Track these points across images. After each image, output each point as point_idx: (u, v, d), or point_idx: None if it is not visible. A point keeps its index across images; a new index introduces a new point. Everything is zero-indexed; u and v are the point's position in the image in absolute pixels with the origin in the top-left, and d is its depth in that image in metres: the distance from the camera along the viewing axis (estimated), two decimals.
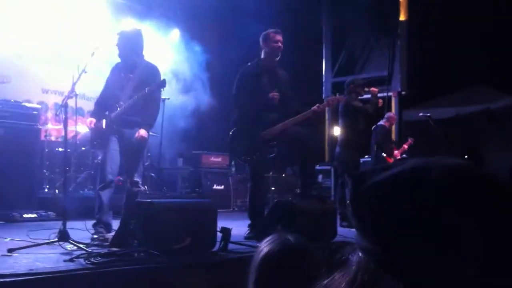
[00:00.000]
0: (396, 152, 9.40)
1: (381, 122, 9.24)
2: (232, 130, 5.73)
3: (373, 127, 9.16)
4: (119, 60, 5.76)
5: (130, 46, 5.63)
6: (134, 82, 5.57)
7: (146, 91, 5.37)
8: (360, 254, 0.72)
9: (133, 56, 5.64)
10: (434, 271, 0.64)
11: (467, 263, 0.63)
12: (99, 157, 5.77)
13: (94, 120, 5.58)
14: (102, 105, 5.67)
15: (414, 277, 0.65)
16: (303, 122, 5.71)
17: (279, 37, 5.67)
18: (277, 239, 1.88)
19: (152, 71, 5.72)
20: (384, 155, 9.01)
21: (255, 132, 5.60)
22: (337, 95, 6.30)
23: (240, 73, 5.75)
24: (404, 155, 9.42)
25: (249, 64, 5.85)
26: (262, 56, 5.78)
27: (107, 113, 5.54)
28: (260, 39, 5.81)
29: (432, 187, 0.66)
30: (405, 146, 9.66)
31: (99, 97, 5.84)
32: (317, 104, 5.78)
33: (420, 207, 0.65)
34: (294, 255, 1.82)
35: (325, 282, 0.77)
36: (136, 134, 5.45)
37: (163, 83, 5.46)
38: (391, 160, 9.05)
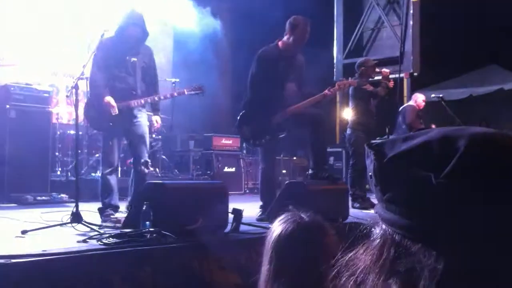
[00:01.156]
0: None
1: (410, 103, 9.15)
2: (242, 113, 5.73)
3: (400, 108, 9.08)
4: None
5: (140, 28, 5.50)
6: (140, 66, 5.55)
7: (185, 92, 5.68)
8: (384, 227, 0.70)
9: (140, 38, 5.54)
10: (465, 237, 0.63)
11: (496, 227, 0.62)
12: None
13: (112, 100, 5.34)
14: (104, 85, 5.41)
15: (446, 244, 0.63)
16: (314, 105, 5.72)
17: (308, 28, 5.62)
18: (290, 217, 1.86)
19: (151, 54, 5.73)
20: None
21: (265, 116, 5.61)
22: (349, 79, 6.18)
23: (258, 55, 5.67)
24: None
25: (269, 45, 5.77)
26: (283, 41, 5.69)
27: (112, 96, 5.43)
28: (288, 25, 5.68)
29: (462, 154, 0.64)
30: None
31: (98, 75, 5.37)
32: (328, 88, 5.80)
33: (450, 174, 0.64)
34: (308, 232, 1.81)
35: (348, 256, 0.76)
36: (156, 124, 5.81)
37: (201, 90, 5.69)
38: None
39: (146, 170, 5.49)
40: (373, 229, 0.73)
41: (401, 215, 0.67)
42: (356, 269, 0.73)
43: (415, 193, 0.66)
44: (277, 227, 1.85)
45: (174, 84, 9.79)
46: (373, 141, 0.73)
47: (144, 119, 5.59)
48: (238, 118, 5.75)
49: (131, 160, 5.83)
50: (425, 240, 0.65)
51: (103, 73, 5.33)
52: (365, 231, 0.75)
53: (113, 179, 5.39)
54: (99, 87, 5.33)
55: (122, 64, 5.43)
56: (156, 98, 5.65)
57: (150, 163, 5.58)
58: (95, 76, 5.34)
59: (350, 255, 0.76)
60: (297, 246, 1.78)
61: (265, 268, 1.83)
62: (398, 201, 0.68)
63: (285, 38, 5.70)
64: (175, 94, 5.79)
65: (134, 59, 5.48)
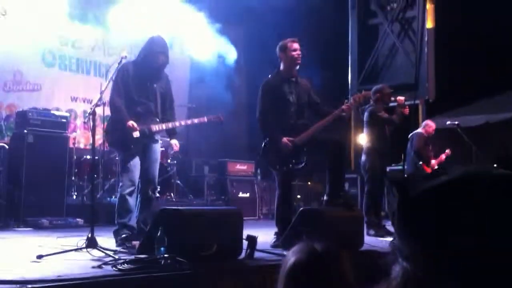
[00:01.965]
0: (433, 161, 9.22)
1: (419, 130, 9.14)
2: (265, 141, 5.72)
3: (409, 134, 9.06)
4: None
5: (164, 55, 5.53)
6: (159, 92, 5.61)
7: (206, 120, 5.82)
8: (405, 264, 0.70)
9: (161, 65, 5.58)
10: (489, 274, 0.63)
11: None
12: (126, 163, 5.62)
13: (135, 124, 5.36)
14: (125, 109, 5.45)
15: (469, 280, 0.64)
16: (331, 130, 5.75)
17: (296, 45, 5.66)
18: (304, 247, 1.85)
19: (167, 79, 5.79)
20: (421, 163, 8.87)
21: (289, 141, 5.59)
22: (362, 91, 6.12)
23: (263, 85, 5.77)
24: (440, 166, 9.25)
25: (269, 76, 5.86)
26: (282, 67, 5.78)
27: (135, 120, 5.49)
28: (277, 50, 5.79)
29: (485, 194, 0.66)
30: (443, 156, 9.46)
31: (117, 99, 5.40)
32: (345, 102, 5.80)
33: (473, 213, 0.65)
34: (323, 261, 1.80)
35: None
36: (175, 147, 5.89)
37: (220, 120, 5.91)
38: (429, 169, 8.88)
39: (154, 196, 5.52)
40: (393, 266, 0.73)
41: (424, 250, 0.68)
42: None
43: (438, 229, 0.67)
44: (290, 257, 1.84)
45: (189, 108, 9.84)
46: (395, 177, 0.75)
47: (159, 146, 5.66)
48: (263, 145, 5.74)
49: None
50: (447, 276, 0.65)
51: (122, 98, 5.37)
52: (385, 267, 0.75)
53: (132, 200, 5.37)
54: (121, 111, 5.36)
55: (143, 89, 5.46)
56: (177, 124, 5.72)
57: (158, 189, 5.60)
58: (115, 100, 5.36)
59: None
60: (311, 276, 1.77)
61: None
62: (422, 236, 0.69)
63: (281, 64, 5.79)
64: (196, 121, 5.84)
65: (154, 85, 5.55)
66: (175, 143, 5.87)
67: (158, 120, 5.58)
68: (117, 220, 5.36)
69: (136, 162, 5.43)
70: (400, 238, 0.72)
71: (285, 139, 5.52)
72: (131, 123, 5.31)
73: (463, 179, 0.70)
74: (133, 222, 5.36)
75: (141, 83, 5.47)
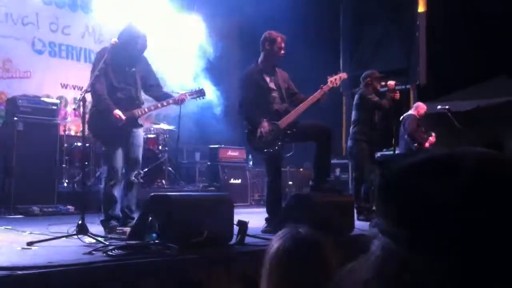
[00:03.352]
0: (426, 144, 9.18)
1: (411, 112, 9.11)
2: (248, 128, 5.80)
3: (401, 117, 9.04)
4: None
5: (141, 39, 5.51)
6: (139, 77, 5.59)
7: (187, 96, 5.73)
8: (384, 239, 0.71)
9: (139, 50, 5.54)
10: (469, 252, 0.64)
11: (498, 246, 0.63)
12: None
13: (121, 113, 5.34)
14: (108, 97, 5.40)
15: (448, 258, 0.65)
16: (313, 105, 5.80)
17: (283, 44, 5.83)
18: (288, 233, 1.87)
19: (148, 64, 5.77)
20: (415, 145, 8.83)
21: (271, 124, 5.68)
22: (338, 73, 6.13)
23: (243, 75, 5.91)
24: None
25: (251, 66, 5.98)
26: (261, 57, 5.92)
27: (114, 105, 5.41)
28: (264, 39, 5.88)
29: (469, 170, 0.66)
30: (432, 139, 9.43)
31: (98, 85, 5.29)
32: (321, 86, 5.88)
33: (455, 189, 0.66)
34: (305, 248, 1.81)
35: (348, 268, 0.77)
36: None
37: (202, 94, 5.81)
38: None
39: (137, 181, 5.52)
40: (373, 241, 0.74)
41: (404, 227, 0.68)
42: (356, 281, 0.73)
43: (419, 206, 0.67)
44: (274, 243, 1.85)
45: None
46: (379, 156, 0.76)
47: (141, 131, 5.68)
48: (246, 132, 5.84)
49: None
50: (426, 253, 0.66)
51: (101, 83, 5.32)
52: (365, 243, 0.76)
53: (116, 191, 5.40)
54: (104, 99, 5.33)
55: (122, 75, 5.44)
56: (159, 105, 5.67)
57: (142, 175, 5.60)
58: (96, 87, 5.26)
59: (349, 266, 0.77)
60: (294, 262, 1.79)
61: (263, 284, 1.83)
62: (402, 213, 0.69)
63: (262, 54, 5.92)
64: (177, 99, 5.76)
65: (133, 69, 5.53)
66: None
67: (139, 103, 5.57)
68: (104, 211, 5.39)
69: (119, 151, 5.43)
70: (379, 213, 0.73)
71: (264, 123, 5.63)
72: (117, 112, 5.28)
73: (445, 155, 0.70)
74: (118, 212, 5.39)
75: (120, 68, 5.44)
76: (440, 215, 0.65)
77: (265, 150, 5.74)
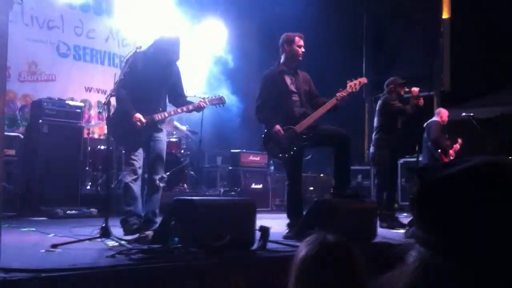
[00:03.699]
0: (450, 151, 9.05)
1: (435, 118, 9.00)
2: (265, 132, 5.80)
3: (425, 124, 8.94)
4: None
5: (175, 54, 5.59)
6: (168, 85, 5.65)
7: (207, 103, 5.77)
8: (422, 249, 0.70)
9: (172, 56, 5.62)
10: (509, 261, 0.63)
11: None
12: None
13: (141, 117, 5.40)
14: (130, 101, 5.47)
15: (488, 268, 0.64)
16: (331, 110, 5.76)
17: (302, 42, 5.81)
18: (316, 239, 1.86)
19: (179, 73, 5.81)
20: (439, 151, 8.70)
21: (287, 129, 5.67)
22: (358, 78, 6.02)
23: (263, 76, 5.89)
24: (457, 155, 9.07)
25: (271, 68, 5.97)
26: (283, 59, 5.90)
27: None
28: (282, 42, 5.88)
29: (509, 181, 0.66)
30: (457, 146, 9.29)
31: (123, 90, 5.36)
32: (340, 89, 5.84)
33: (496, 199, 0.64)
34: (334, 254, 1.80)
35: (384, 279, 0.76)
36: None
37: (222, 101, 5.84)
38: (446, 159, 8.73)
39: (161, 185, 5.54)
40: (409, 252, 0.73)
41: (444, 236, 0.67)
42: None
43: (459, 216, 0.66)
44: (302, 249, 1.84)
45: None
46: (402, 162, 0.75)
47: (164, 136, 5.69)
48: (263, 137, 5.84)
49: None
50: (464, 264, 0.65)
51: (127, 88, 5.36)
52: (400, 253, 0.75)
53: (136, 187, 5.43)
54: (126, 102, 5.39)
55: (147, 81, 5.48)
56: (179, 110, 5.69)
57: (165, 179, 5.61)
58: (120, 91, 5.32)
59: (386, 276, 0.76)
60: (322, 268, 1.77)
61: None
62: (442, 223, 0.68)
63: (282, 56, 5.91)
64: (197, 105, 5.80)
65: (161, 76, 5.57)
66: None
67: (160, 109, 5.60)
68: (124, 208, 5.41)
69: (139, 153, 5.50)
70: (418, 223, 0.72)
71: (277, 127, 5.62)
72: (137, 116, 5.34)
73: (488, 166, 0.69)
74: (139, 209, 5.42)
75: (148, 75, 5.48)
76: (478, 226, 0.64)
77: (280, 155, 5.75)
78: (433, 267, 0.68)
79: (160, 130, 5.62)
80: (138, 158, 5.48)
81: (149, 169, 5.51)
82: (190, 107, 5.67)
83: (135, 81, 5.37)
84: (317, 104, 5.82)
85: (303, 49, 5.81)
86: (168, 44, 5.56)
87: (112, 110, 5.54)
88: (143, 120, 5.34)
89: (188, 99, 6.01)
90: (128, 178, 5.44)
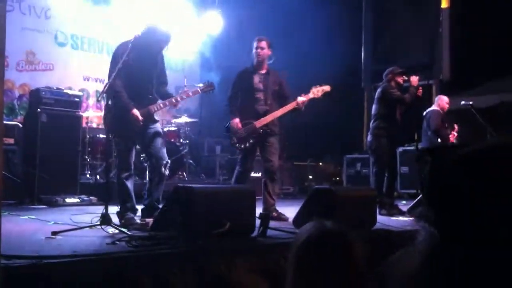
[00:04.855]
0: (451, 139, 8.99)
1: (434, 107, 8.96)
2: (228, 122, 6.39)
3: (424, 112, 8.91)
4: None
5: (164, 42, 5.53)
6: (157, 73, 5.63)
7: (199, 91, 5.89)
8: (432, 230, 0.69)
9: (163, 45, 5.55)
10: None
11: None
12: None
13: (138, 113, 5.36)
14: (126, 94, 5.40)
15: (498, 250, 0.63)
16: (291, 112, 6.29)
17: (257, 44, 6.36)
18: (315, 226, 1.86)
19: (163, 62, 5.79)
20: (439, 141, 8.66)
21: (248, 123, 6.25)
22: (323, 85, 6.42)
23: (237, 72, 6.44)
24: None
25: (245, 67, 6.50)
26: (253, 60, 6.46)
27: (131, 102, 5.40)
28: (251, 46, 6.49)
29: None
30: (454, 133, 9.24)
31: (118, 80, 5.18)
32: (302, 94, 6.29)
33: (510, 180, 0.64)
34: (332, 242, 1.81)
35: (392, 260, 0.75)
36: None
37: (212, 87, 5.87)
38: None
39: (166, 172, 5.52)
40: (418, 231, 0.72)
41: (451, 217, 0.67)
42: (403, 271, 0.72)
43: (470, 198, 0.66)
44: (301, 235, 1.85)
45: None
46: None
47: (158, 124, 5.68)
48: (225, 126, 6.47)
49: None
50: (474, 246, 0.64)
51: (121, 78, 5.25)
52: (407, 235, 0.74)
53: (130, 183, 5.42)
54: (122, 96, 5.32)
55: (140, 71, 5.44)
56: (174, 100, 5.62)
57: (169, 164, 5.60)
58: (115, 83, 5.17)
59: (395, 257, 0.75)
60: (320, 255, 1.78)
61: (289, 275, 1.82)
62: (450, 205, 0.68)
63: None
64: (190, 94, 5.80)
65: (152, 66, 5.55)
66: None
67: (153, 98, 5.58)
68: (120, 203, 5.39)
69: (131, 146, 5.47)
70: (428, 203, 0.71)
71: (235, 120, 6.28)
72: (134, 113, 5.31)
73: (502, 146, 0.68)
74: (134, 203, 5.42)
75: (140, 64, 5.42)
76: (490, 208, 0.64)
77: (237, 145, 6.33)
78: (443, 247, 0.67)
79: (156, 121, 5.61)
80: (131, 152, 5.46)
81: (152, 158, 5.48)
82: (184, 96, 5.69)
83: (128, 70, 5.27)
84: (283, 105, 6.30)
85: (258, 51, 6.31)
86: (162, 34, 5.51)
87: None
88: (140, 117, 5.31)
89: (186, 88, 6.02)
90: (123, 174, 5.40)
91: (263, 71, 6.39)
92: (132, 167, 5.49)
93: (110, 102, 5.24)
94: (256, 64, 6.37)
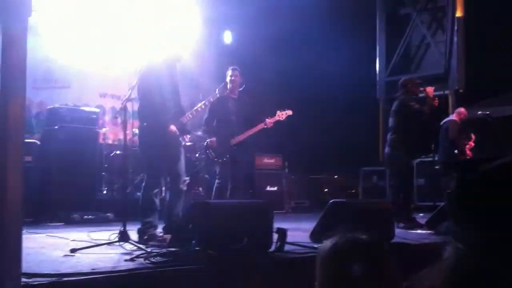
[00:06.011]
0: (467, 151, 8.87)
1: (452, 117, 8.86)
2: (206, 141, 7.21)
3: (441, 122, 8.82)
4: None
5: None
6: (174, 84, 5.64)
7: (211, 99, 6.30)
8: (458, 245, 0.69)
9: (179, 58, 5.65)
10: None
11: None
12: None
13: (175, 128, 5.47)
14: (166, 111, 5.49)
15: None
16: (259, 132, 7.12)
17: (232, 73, 7.09)
18: (346, 235, 1.84)
19: (175, 67, 5.80)
20: (456, 152, 8.55)
21: (225, 140, 7.00)
22: (285, 111, 7.19)
23: (211, 102, 6.64)
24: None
25: (220, 92, 6.82)
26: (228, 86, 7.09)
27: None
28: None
29: None
30: (472, 143, 9.11)
31: (158, 98, 5.37)
32: (269, 117, 7.07)
33: None
34: (368, 249, 1.78)
35: (419, 275, 0.75)
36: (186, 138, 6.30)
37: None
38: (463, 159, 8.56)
39: (184, 188, 5.51)
40: (445, 248, 0.72)
41: (479, 233, 0.66)
42: (431, 287, 0.71)
43: (497, 214, 0.65)
44: (328, 243, 1.81)
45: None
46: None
47: (179, 137, 5.65)
48: (204, 145, 7.35)
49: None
50: (502, 262, 0.64)
51: (159, 96, 5.31)
52: (435, 250, 0.74)
53: (157, 200, 5.39)
54: (164, 114, 5.33)
55: (166, 84, 5.47)
56: (199, 109, 5.76)
57: (188, 181, 5.61)
58: (157, 101, 5.25)
59: (424, 271, 0.75)
60: (356, 263, 1.75)
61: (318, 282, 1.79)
62: (478, 221, 0.67)
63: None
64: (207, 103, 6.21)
65: (172, 77, 5.57)
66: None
67: (183, 111, 5.62)
68: (144, 220, 5.26)
69: (163, 163, 5.42)
70: (455, 219, 0.71)
71: (212, 139, 7.08)
72: (173, 128, 5.33)
73: None
74: (157, 220, 5.36)
75: (165, 78, 5.45)
76: None
77: (215, 159, 7.09)
78: (470, 263, 0.66)
79: (189, 132, 5.69)
80: (164, 171, 5.44)
81: (172, 173, 5.47)
82: (203, 106, 6.14)
83: (162, 86, 5.34)
84: (252, 125, 7.10)
85: (233, 78, 7.05)
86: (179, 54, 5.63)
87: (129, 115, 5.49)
88: (177, 132, 5.37)
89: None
90: (153, 190, 5.34)
91: (235, 96, 7.18)
92: (163, 184, 5.49)
93: (150, 121, 5.27)
94: (230, 90, 7.07)
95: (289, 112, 7.28)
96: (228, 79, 7.10)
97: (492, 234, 0.65)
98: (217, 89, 6.60)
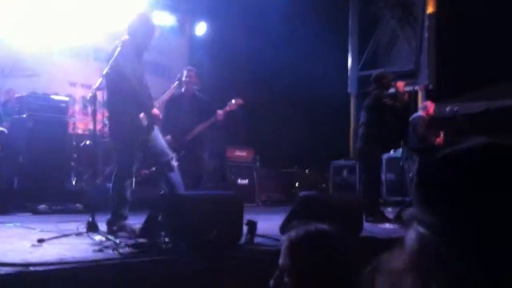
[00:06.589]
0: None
1: (419, 113, 8.96)
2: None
3: (410, 118, 8.91)
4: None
5: (151, 29, 5.42)
6: (144, 70, 5.50)
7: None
8: (421, 230, 0.70)
9: (149, 40, 5.40)
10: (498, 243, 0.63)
11: None
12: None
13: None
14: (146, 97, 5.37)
15: (489, 253, 0.64)
16: (214, 125, 7.45)
17: (188, 73, 7.37)
18: (311, 226, 1.87)
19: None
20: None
21: (182, 136, 7.23)
22: (235, 100, 7.48)
23: (166, 100, 7.15)
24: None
25: (176, 91, 7.30)
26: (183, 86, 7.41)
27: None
28: None
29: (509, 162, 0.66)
30: (439, 140, 9.19)
31: (136, 86, 5.14)
32: (218, 110, 7.33)
33: (497, 180, 0.65)
34: (332, 239, 1.82)
35: (381, 260, 0.76)
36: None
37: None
38: None
39: (176, 164, 5.43)
40: (407, 232, 0.73)
41: (442, 217, 0.67)
42: (393, 270, 0.73)
43: (458, 198, 0.66)
44: (292, 233, 1.85)
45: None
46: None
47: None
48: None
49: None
50: (460, 242, 0.65)
51: (128, 85, 5.08)
52: (393, 242, 0.75)
53: (129, 191, 5.31)
54: (144, 101, 5.19)
55: (140, 70, 5.31)
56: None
57: (176, 156, 5.58)
58: (136, 88, 5.08)
59: (384, 256, 0.76)
60: (307, 248, 1.79)
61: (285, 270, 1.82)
62: (441, 203, 0.68)
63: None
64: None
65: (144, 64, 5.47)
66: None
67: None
68: (114, 210, 5.12)
69: (136, 153, 5.25)
70: (417, 203, 0.72)
71: (168, 137, 6.94)
72: (156, 111, 5.23)
73: (487, 146, 0.69)
74: (127, 211, 5.22)
75: (140, 64, 5.30)
76: (478, 208, 0.64)
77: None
78: (432, 248, 0.68)
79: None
80: (136, 161, 5.29)
81: (159, 159, 5.41)
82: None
83: (138, 73, 5.20)
84: (205, 120, 7.38)
85: (188, 79, 7.31)
86: (152, 21, 5.53)
87: (97, 104, 5.35)
88: (160, 115, 5.33)
89: None
90: (122, 182, 5.20)
91: (190, 95, 7.45)
92: (133, 175, 5.39)
93: (129, 110, 5.10)
94: (185, 89, 7.37)
95: (240, 101, 7.55)
96: (184, 79, 7.34)
97: (452, 220, 0.67)
98: (171, 87, 6.99)
